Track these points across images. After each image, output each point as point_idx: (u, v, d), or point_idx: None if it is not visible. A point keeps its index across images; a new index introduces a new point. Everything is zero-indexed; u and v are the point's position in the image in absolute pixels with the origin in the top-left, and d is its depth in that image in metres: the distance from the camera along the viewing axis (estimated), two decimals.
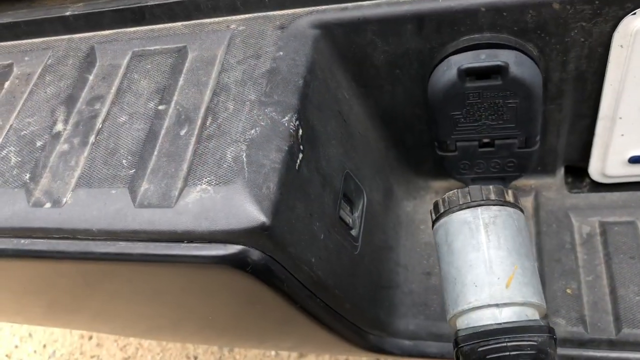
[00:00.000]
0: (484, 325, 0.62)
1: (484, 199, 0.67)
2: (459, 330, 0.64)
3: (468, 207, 0.67)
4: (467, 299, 0.63)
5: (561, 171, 1.04)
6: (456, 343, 0.63)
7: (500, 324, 0.62)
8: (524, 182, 1.04)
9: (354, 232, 0.87)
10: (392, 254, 1.01)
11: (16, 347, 2.31)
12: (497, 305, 0.63)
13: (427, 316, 0.96)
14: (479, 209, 0.67)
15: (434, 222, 0.71)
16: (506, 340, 0.60)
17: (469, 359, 0.61)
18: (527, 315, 0.63)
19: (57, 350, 2.27)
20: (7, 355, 2.30)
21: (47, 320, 1.33)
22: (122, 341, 2.24)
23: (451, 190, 1.07)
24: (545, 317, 0.67)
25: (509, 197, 0.68)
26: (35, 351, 2.28)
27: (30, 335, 2.33)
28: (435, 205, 0.71)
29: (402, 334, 0.95)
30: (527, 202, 1.03)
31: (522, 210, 0.70)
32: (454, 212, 0.68)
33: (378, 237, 0.96)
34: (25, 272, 0.85)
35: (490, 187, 0.68)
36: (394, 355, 0.95)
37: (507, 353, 0.59)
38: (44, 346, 2.29)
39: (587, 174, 1.03)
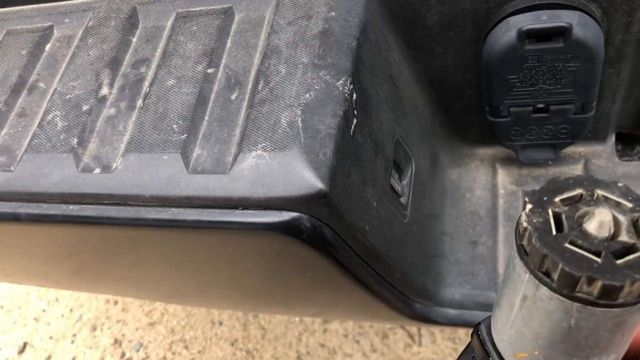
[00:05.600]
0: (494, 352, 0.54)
1: (543, 271, 0.43)
2: (482, 322, 0.56)
3: (522, 259, 0.45)
4: (492, 320, 0.54)
5: (612, 138, 1.01)
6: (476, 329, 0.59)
7: None
8: (573, 149, 1.01)
9: (403, 200, 0.85)
10: (438, 222, 0.99)
11: (44, 311, 2.35)
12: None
13: (473, 285, 0.94)
14: (528, 275, 0.45)
15: None
16: None
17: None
18: None
19: (83, 314, 2.30)
20: (35, 319, 2.33)
21: (75, 284, 1.33)
22: (148, 306, 2.27)
23: (497, 157, 1.05)
24: None
25: (588, 289, 0.41)
26: (62, 315, 2.32)
27: (57, 299, 2.37)
28: (517, 225, 0.49)
29: (448, 303, 0.94)
30: (577, 170, 1.00)
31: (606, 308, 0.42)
32: (515, 245, 0.47)
33: (425, 206, 0.94)
34: (68, 237, 0.85)
35: (565, 260, 0.40)
36: (439, 324, 0.94)
37: None
38: (71, 310, 2.32)
39: (638, 142, 1.00)
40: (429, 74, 0.91)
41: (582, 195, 0.45)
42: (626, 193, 0.45)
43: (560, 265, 0.40)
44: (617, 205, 0.44)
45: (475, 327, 0.57)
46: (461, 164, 1.03)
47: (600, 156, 1.00)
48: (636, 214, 0.43)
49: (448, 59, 0.88)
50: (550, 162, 1.00)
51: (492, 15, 0.80)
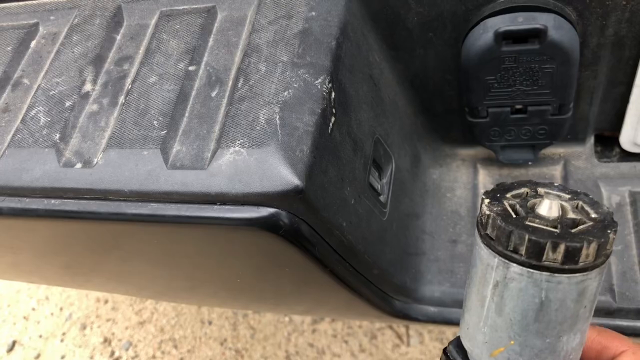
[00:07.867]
0: None
1: (511, 249, 0.46)
2: (450, 343, 0.59)
3: (489, 247, 0.48)
4: (461, 331, 0.56)
5: (591, 140, 1.02)
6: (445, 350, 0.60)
7: None
8: (552, 150, 1.03)
9: (382, 199, 0.86)
10: (419, 221, 1.00)
11: (33, 309, 2.35)
12: None
13: (452, 283, 0.96)
14: (497, 259, 0.48)
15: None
16: None
17: None
18: None
19: (73, 313, 2.30)
20: (24, 317, 2.33)
21: (64, 280, 1.34)
22: (138, 305, 2.27)
23: (478, 157, 1.06)
24: None
25: (553, 256, 0.45)
26: (52, 314, 2.32)
27: (47, 298, 2.37)
28: (479, 218, 0.52)
29: (428, 301, 0.95)
30: (556, 170, 1.02)
31: (585, 272, 0.46)
32: (479, 238, 0.50)
33: (405, 204, 0.95)
34: (51, 232, 0.85)
35: (530, 235, 0.45)
36: (418, 322, 0.96)
37: None
38: (61, 309, 2.33)
39: (617, 143, 1.01)
40: (410, 74, 0.92)
41: (527, 192, 0.53)
42: (563, 189, 0.53)
43: (526, 236, 0.45)
44: (558, 197, 0.52)
45: (444, 349, 0.59)
46: (443, 163, 1.05)
47: (579, 157, 1.02)
48: (575, 201, 0.51)
49: (428, 59, 0.90)
50: (529, 163, 1.01)
51: (470, 17, 0.82)
